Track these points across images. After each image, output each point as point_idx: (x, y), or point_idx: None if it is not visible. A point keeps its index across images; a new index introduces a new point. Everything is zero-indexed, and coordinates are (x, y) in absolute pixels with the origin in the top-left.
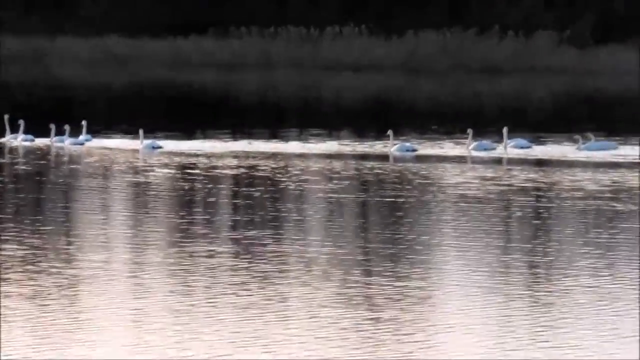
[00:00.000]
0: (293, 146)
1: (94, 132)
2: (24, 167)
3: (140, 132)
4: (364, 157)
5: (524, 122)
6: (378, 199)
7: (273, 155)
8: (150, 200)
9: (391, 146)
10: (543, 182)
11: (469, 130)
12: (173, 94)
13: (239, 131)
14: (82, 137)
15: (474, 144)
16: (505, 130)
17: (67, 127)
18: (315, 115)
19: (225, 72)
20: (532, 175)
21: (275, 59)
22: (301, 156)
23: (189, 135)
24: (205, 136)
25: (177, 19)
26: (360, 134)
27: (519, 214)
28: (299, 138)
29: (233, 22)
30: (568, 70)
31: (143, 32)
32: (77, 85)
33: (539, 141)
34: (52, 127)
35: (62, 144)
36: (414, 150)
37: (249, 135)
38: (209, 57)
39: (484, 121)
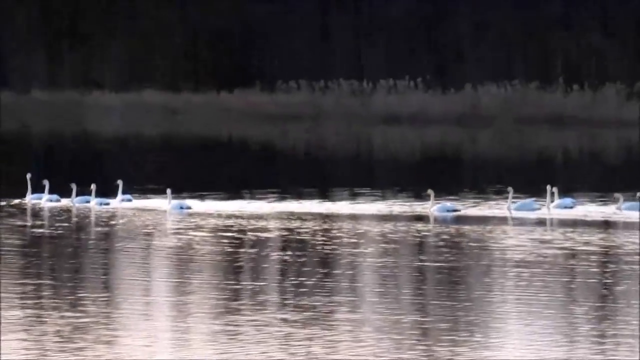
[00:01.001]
0: (341, 206)
1: (135, 191)
2: (44, 230)
3: (168, 191)
4: (410, 217)
5: (581, 179)
6: (427, 264)
7: (320, 217)
8: (190, 264)
9: (431, 206)
10: (593, 244)
11: (509, 189)
12: (216, 149)
13: (285, 190)
14: (119, 198)
15: (517, 204)
16: (549, 189)
17: (93, 187)
18: (366, 172)
19: (272, 126)
20: (578, 237)
21: (325, 112)
22: (349, 217)
23: (233, 193)
24: (251, 195)
25: (220, 72)
26: (408, 191)
27: (575, 277)
28: (348, 197)
29: (281, 75)
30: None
31: (186, 86)
32: (111, 139)
33: (582, 201)
34: (73, 186)
35: (87, 204)
36: (455, 210)
37: (297, 194)
38: (254, 110)
39: (540, 178)
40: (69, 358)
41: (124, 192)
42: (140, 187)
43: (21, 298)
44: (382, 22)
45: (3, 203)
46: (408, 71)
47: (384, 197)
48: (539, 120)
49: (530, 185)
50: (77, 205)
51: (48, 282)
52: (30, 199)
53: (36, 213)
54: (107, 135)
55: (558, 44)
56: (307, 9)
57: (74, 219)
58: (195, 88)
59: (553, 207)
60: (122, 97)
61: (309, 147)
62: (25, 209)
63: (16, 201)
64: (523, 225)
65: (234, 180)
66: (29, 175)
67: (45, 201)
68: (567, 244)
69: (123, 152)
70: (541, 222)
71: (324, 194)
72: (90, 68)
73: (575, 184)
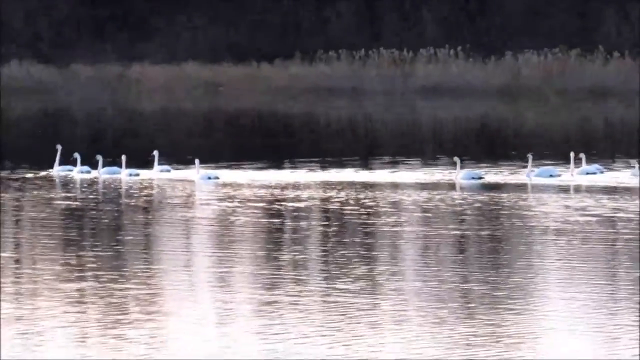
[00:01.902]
0: (379, 175)
1: (176, 161)
2: (69, 202)
3: (197, 162)
4: (443, 186)
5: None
6: (463, 232)
7: (360, 185)
8: (231, 235)
9: (457, 174)
10: (618, 210)
11: (529, 156)
12: (258, 121)
13: (327, 160)
14: (156, 169)
15: (538, 170)
16: (572, 156)
17: (123, 158)
18: (407, 141)
19: (312, 97)
20: (597, 203)
21: (365, 82)
22: (386, 186)
23: (275, 165)
24: (293, 166)
25: (260, 44)
26: (446, 160)
27: (612, 244)
28: (387, 166)
29: (320, 46)
30: None
31: (225, 58)
32: (153, 113)
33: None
34: (99, 158)
35: (115, 175)
36: (480, 177)
37: (338, 164)
38: (295, 82)
39: (578, 147)
40: (126, 330)
41: (161, 164)
42: (181, 159)
43: (66, 271)
44: None
45: (30, 175)
46: (448, 40)
47: (423, 166)
48: (580, 90)
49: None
50: (105, 176)
51: (90, 254)
52: (57, 170)
53: (64, 184)
54: (148, 109)
55: (599, 12)
56: None
57: (104, 190)
58: (236, 60)
59: (577, 174)
60: (163, 70)
61: (349, 118)
62: (53, 180)
63: (43, 173)
64: (544, 192)
65: (274, 152)
66: (59, 147)
67: (76, 173)
68: (590, 210)
69: (164, 125)
70: (563, 189)
71: (364, 164)
72: (133, 42)
73: (613, 152)
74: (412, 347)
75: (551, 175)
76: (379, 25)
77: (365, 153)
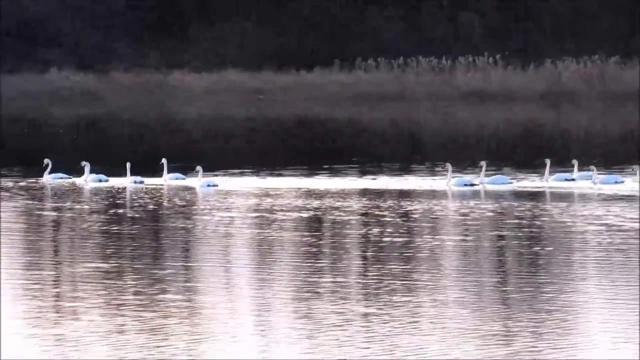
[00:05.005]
0: (417, 183)
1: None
2: (50, 212)
3: (199, 169)
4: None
5: None
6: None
7: (396, 193)
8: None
9: (449, 180)
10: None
11: (547, 161)
12: (297, 128)
13: (366, 167)
14: (165, 176)
15: (554, 175)
16: (575, 162)
17: (128, 165)
18: (450, 148)
19: (352, 105)
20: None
21: (404, 90)
22: (423, 193)
23: (313, 171)
24: (332, 172)
25: (300, 52)
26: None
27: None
28: (428, 173)
29: (360, 54)
30: None
31: (265, 66)
32: (193, 120)
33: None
34: (85, 164)
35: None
36: (472, 184)
37: (377, 171)
38: (334, 89)
39: (621, 154)
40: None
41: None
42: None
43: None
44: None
45: (22, 183)
46: (487, 48)
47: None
48: (622, 96)
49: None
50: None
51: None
52: (47, 179)
53: (54, 194)
54: (190, 117)
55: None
56: None
57: (113, 198)
58: (277, 68)
59: (599, 182)
60: (204, 78)
61: (389, 125)
62: (44, 188)
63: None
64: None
65: (313, 158)
66: (47, 161)
67: (89, 181)
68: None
69: (206, 132)
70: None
71: (405, 171)
72: (174, 49)
73: None
74: None
75: (616, 182)
76: (419, 33)
77: (406, 159)
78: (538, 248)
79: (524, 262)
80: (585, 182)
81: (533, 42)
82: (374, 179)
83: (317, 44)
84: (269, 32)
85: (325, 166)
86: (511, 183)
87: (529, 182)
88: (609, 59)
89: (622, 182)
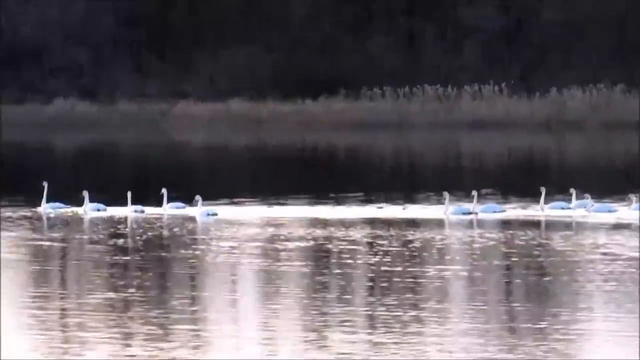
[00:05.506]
0: (425, 211)
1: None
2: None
3: (199, 199)
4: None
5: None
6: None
7: (403, 222)
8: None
9: (446, 209)
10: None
11: (542, 189)
12: (301, 156)
13: (369, 196)
14: (165, 205)
15: (551, 204)
16: (573, 191)
17: (129, 195)
18: (455, 177)
19: (357, 133)
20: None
21: (410, 118)
22: (428, 222)
23: (316, 200)
24: (336, 201)
25: (305, 81)
26: (491, 195)
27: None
28: (434, 201)
29: (365, 83)
30: None
31: (270, 95)
32: (197, 149)
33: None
34: (85, 194)
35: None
36: (470, 213)
37: (381, 199)
38: (339, 118)
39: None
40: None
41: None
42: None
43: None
44: (467, 28)
45: (11, 214)
46: (492, 76)
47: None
48: (626, 125)
49: (610, 188)
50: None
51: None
52: (45, 207)
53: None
54: (194, 146)
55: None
56: (391, 15)
57: (116, 227)
58: (281, 97)
59: (592, 211)
60: (208, 107)
61: (394, 154)
62: (40, 218)
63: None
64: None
65: (319, 187)
66: (45, 184)
67: (89, 210)
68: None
69: (210, 162)
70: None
71: (409, 199)
72: (177, 79)
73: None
74: None
75: (609, 211)
76: (422, 62)
77: (407, 188)
78: (539, 277)
79: (530, 291)
80: (580, 210)
81: (538, 70)
82: (380, 207)
83: (322, 74)
84: (273, 59)
85: (332, 195)
86: (504, 211)
87: (523, 211)
88: (615, 87)
89: (616, 211)
